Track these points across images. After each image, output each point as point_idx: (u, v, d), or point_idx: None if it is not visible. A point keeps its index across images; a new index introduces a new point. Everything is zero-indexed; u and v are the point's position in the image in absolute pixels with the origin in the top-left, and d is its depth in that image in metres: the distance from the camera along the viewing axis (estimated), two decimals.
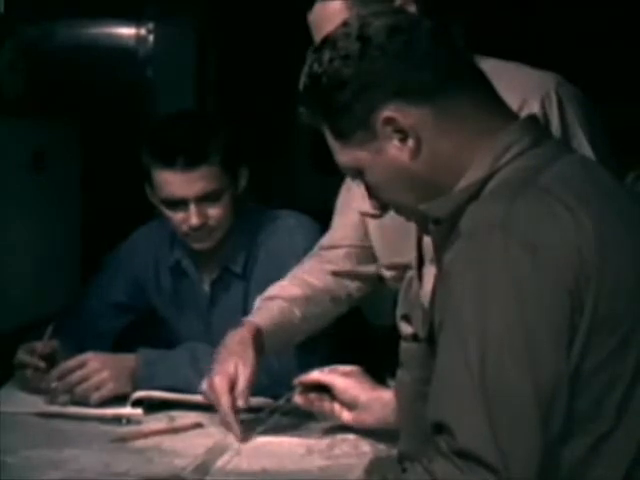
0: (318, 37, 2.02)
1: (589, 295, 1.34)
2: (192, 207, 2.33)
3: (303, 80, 1.55)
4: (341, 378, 1.97)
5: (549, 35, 4.05)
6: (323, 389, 1.98)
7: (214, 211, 2.36)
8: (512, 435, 1.30)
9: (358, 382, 1.96)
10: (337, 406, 1.97)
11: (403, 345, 1.73)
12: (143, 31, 3.82)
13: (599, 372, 1.35)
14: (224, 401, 1.98)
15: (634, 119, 3.76)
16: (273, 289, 2.26)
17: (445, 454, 1.32)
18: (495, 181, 1.45)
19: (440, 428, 1.33)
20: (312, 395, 1.99)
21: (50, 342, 2.32)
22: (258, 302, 2.25)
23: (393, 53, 1.47)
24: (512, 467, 1.29)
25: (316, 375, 1.99)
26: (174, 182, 2.32)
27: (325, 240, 2.33)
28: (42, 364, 2.27)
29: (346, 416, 1.97)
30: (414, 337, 1.60)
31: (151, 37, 3.82)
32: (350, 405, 1.96)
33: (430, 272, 2.03)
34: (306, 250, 2.40)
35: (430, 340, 1.46)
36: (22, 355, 2.31)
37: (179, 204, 2.34)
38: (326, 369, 2.02)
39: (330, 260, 2.27)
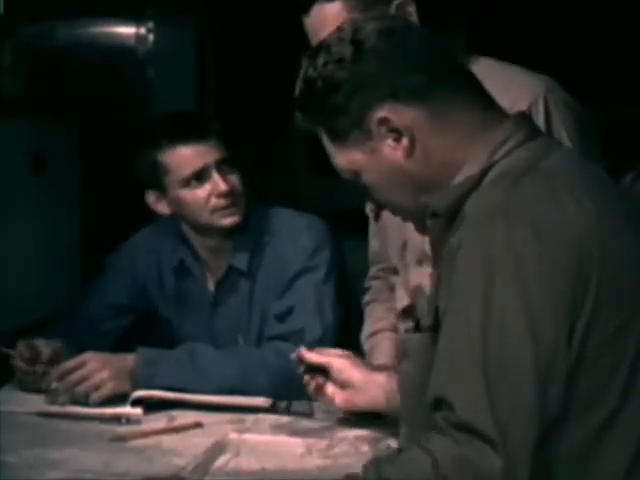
0: (316, 40, 2.03)
1: (592, 274, 1.37)
2: (215, 175, 2.38)
3: (299, 85, 1.59)
4: (338, 359, 2.00)
5: (550, 35, 4.05)
6: (318, 370, 2.01)
7: (234, 179, 2.40)
8: (510, 407, 1.33)
9: (354, 364, 2.00)
10: (330, 388, 2.00)
11: (405, 337, 1.76)
12: (143, 30, 3.83)
13: (603, 352, 1.38)
14: None
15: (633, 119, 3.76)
16: (375, 324, 2.29)
17: (442, 429, 1.35)
18: (494, 172, 1.49)
19: (439, 403, 1.37)
20: (307, 377, 2.01)
21: (53, 344, 2.32)
22: (367, 343, 2.28)
23: (385, 56, 1.52)
24: (509, 439, 1.32)
25: (314, 356, 2.01)
26: (194, 154, 2.37)
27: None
28: (39, 368, 2.28)
29: (339, 398, 1.99)
30: (416, 327, 1.62)
31: (151, 36, 3.83)
32: (345, 385, 1.98)
33: (416, 273, 2.05)
34: (314, 250, 2.40)
35: (435, 328, 1.48)
36: (17, 362, 2.32)
37: (202, 176, 2.38)
38: (322, 350, 2.05)
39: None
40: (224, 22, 3.95)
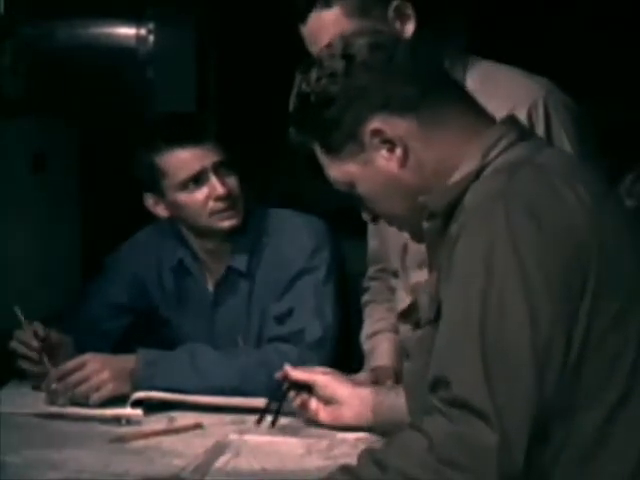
0: (315, 48, 2.04)
1: (591, 262, 1.41)
2: (213, 178, 2.37)
3: (292, 101, 1.64)
4: (321, 376, 2.03)
5: (550, 35, 4.05)
6: (303, 387, 2.03)
7: (231, 181, 2.40)
8: (508, 389, 1.35)
9: (338, 380, 2.02)
10: (314, 404, 2.02)
11: (407, 336, 1.77)
12: (143, 31, 3.83)
13: (606, 340, 1.41)
14: None
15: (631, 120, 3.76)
16: (374, 325, 2.30)
17: (438, 409, 1.37)
18: (489, 169, 1.52)
19: (437, 384, 1.39)
20: (292, 393, 2.03)
21: (60, 336, 2.33)
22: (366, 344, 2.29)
23: (376, 68, 1.56)
24: (506, 418, 1.34)
25: (298, 374, 2.03)
26: (190, 158, 2.36)
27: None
28: (34, 354, 2.27)
29: (323, 414, 2.01)
30: (417, 324, 1.64)
31: (151, 37, 3.83)
32: (329, 400, 2.01)
33: (416, 276, 2.06)
34: (313, 250, 2.40)
35: (437, 321, 1.50)
36: (16, 345, 2.31)
37: (199, 179, 2.37)
38: (307, 368, 2.08)
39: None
40: (224, 22, 3.95)
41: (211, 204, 2.38)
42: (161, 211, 2.45)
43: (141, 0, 3.80)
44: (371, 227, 2.31)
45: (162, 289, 2.57)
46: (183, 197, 2.39)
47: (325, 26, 2.01)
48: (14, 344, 2.32)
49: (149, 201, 2.46)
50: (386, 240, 2.21)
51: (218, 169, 2.38)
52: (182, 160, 2.37)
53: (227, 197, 2.37)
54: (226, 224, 2.41)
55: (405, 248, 2.11)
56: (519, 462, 1.35)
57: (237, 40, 4.02)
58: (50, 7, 3.67)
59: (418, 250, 2.02)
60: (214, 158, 2.38)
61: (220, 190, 2.36)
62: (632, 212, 2.36)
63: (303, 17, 2.04)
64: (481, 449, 1.34)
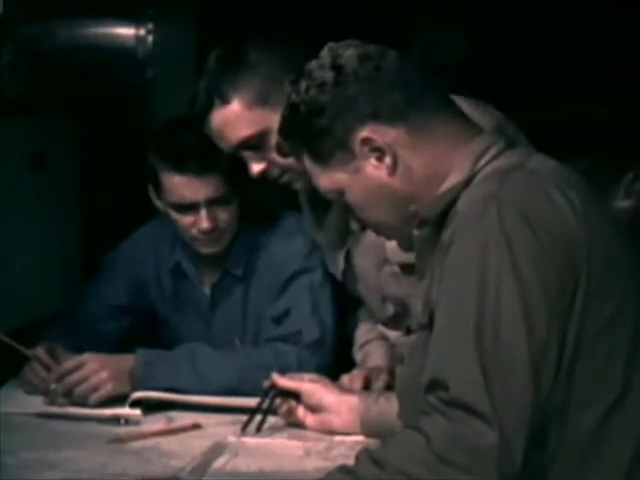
0: (225, 145, 2.06)
1: (583, 263, 1.42)
2: (203, 211, 2.31)
3: (283, 111, 1.66)
4: (308, 384, 2.03)
5: (550, 35, 4.05)
6: (291, 395, 2.03)
7: (223, 215, 2.35)
8: (505, 390, 1.37)
9: (325, 387, 2.02)
10: (302, 411, 2.02)
11: (400, 341, 1.78)
12: (143, 31, 3.82)
13: (599, 341, 1.43)
14: None
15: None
16: (363, 337, 2.31)
17: (436, 408, 1.38)
18: (481, 176, 1.54)
19: (434, 385, 1.40)
20: (278, 400, 2.03)
21: (65, 356, 2.30)
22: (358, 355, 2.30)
23: (365, 78, 1.58)
24: (504, 417, 1.35)
25: (285, 381, 2.03)
26: (185, 186, 2.30)
27: None
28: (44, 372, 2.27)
29: (310, 421, 2.01)
30: (408, 330, 1.65)
31: (151, 37, 3.82)
32: (317, 408, 2.00)
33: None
34: (309, 251, 2.39)
35: (430, 326, 1.51)
36: (36, 367, 2.29)
37: (189, 208, 2.32)
38: (295, 375, 2.08)
39: None
40: (224, 22, 3.95)
41: (194, 231, 2.35)
42: (159, 206, 2.43)
43: (141, 0, 3.80)
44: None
45: (161, 290, 2.56)
46: (172, 213, 2.36)
47: (228, 122, 2.04)
48: (29, 374, 2.30)
49: (150, 192, 2.43)
50: (367, 293, 2.22)
51: (212, 204, 2.32)
52: (178, 186, 2.30)
53: (211, 232, 2.34)
54: (205, 250, 2.40)
55: (384, 299, 2.12)
56: (518, 461, 1.36)
57: (237, 40, 4.01)
58: (50, 7, 3.66)
59: (397, 300, 2.04)
60: (210, 194, 2.30)
61: (205, 225, 2.32)
62: (632, 211, 2.37)
63: (205, 117, 2.06)
64: (480, 448, 1.35)
